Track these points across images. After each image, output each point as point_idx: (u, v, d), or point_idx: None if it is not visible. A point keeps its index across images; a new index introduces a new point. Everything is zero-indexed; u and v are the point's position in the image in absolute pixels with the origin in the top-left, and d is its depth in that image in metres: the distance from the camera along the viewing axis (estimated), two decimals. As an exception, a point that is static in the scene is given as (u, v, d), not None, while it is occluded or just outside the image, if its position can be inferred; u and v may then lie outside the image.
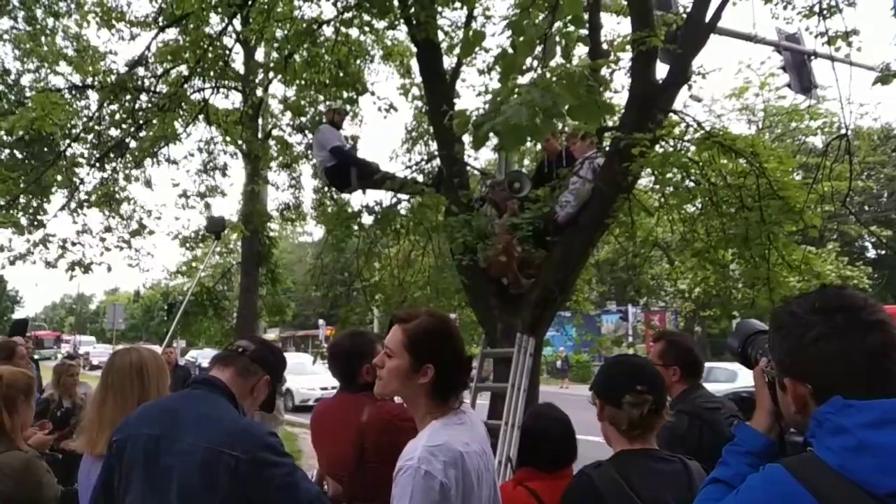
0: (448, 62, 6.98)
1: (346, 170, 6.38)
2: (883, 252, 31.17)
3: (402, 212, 5.87)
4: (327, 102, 7.18)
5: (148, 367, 2.34)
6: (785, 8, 6.46)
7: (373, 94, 9.36)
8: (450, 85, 6.72)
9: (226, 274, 12.12)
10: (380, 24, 7.08)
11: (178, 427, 1.86)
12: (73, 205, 8.70)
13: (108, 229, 9.62)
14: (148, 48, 6.64)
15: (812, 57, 12.51)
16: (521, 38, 2.34)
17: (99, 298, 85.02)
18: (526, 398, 5.31)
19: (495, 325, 5.75)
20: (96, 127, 6.63)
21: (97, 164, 7.05)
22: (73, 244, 9.02)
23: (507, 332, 5.59)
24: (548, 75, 2.24)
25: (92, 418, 2.28)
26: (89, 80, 9.88)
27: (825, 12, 6.22)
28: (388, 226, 5.75)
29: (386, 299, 6.40)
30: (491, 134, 2.40)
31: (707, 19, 5.41)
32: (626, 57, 6.19)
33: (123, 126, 6.46)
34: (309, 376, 19.52)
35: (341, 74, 8.50)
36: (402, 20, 6.34)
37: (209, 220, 8.50)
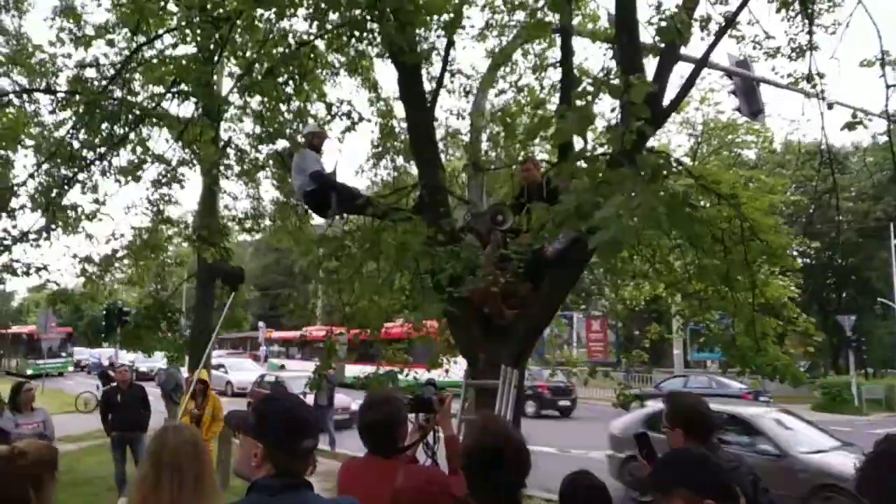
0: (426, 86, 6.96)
1: (326, 194, 6.28)
2: (810, 262, 32.75)
3: (390, 240, 5.80)
4: (307, 124, 7.03)
5: (201, 445, 2.25)
6: (754, 49, 6.73)
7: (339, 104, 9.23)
8: (430, 109, 6.70)
9: (179, 287, 11.74)
10: (370, 50, 7.02)
11: None
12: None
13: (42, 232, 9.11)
14: (128, 61, 6.36)
15: (760, 83, 13.09)
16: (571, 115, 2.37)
17: (22, 295, 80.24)
18: (511, 430, 5.35)
19: (477, 356, 5.77)
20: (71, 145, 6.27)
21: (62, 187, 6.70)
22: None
23: (490, 363, 5.62)
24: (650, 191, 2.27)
25: (142, 500, 2.15)
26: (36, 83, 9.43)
27: (792, 55, 6.53)
28: (377, 254, 5.70)
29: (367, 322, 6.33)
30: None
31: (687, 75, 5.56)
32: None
33: (97, 147, 6.17)
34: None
35: (304, 85, 8.38)
36: (384, 44, 6.30)
37: (224, 273, 8.11)
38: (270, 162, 10.78)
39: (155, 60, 7.01)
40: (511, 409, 5.46)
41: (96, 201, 7.14)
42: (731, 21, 5.33)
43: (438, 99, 7.14)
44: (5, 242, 6.33)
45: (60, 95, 8.72)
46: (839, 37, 5.20)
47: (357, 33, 6.52)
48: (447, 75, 7.57)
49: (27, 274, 7.13)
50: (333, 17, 6.73)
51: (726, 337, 5.20)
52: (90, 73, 9.00)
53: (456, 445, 3.28)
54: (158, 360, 18.72)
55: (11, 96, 9.15)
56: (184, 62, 6.05)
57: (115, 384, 9.98)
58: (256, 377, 26.47)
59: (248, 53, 7.33)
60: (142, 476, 2.18)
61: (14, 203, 6.77)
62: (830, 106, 7.61)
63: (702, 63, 5.38)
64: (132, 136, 6.53)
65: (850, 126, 5.66)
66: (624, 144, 2.38)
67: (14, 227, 6.54)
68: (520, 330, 5.48)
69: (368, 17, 6.23)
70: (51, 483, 2.44)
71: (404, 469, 2.79)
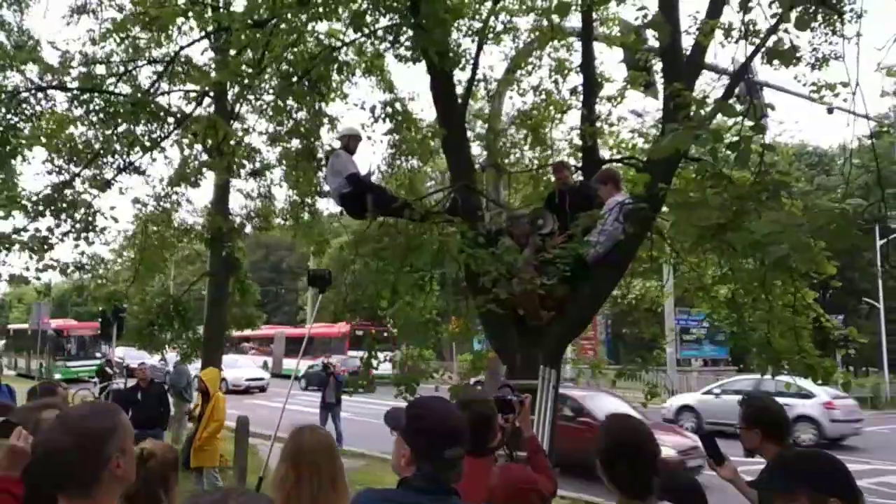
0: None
1: (362, 197, 6.35)
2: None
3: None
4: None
5: (335, 446, 2.33)
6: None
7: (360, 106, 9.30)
8: (462, 111, 6.78)
9: (194, 284, 11.71)
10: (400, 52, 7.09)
11: None
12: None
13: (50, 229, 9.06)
14: (171, 63, 6.37)
15: (763, 87, 13.29)
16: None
17: (2, 290, 78.49)
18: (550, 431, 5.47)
19: (514, 356, 5.89)
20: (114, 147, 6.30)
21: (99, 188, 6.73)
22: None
23: (527, 363, 5.74)
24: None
25: (284, 500, 2.23)
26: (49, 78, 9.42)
27: (816, 63, 6.71)
28: (424, 258, 5.80)
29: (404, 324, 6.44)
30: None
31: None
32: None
33: (147, 148, 6.19)
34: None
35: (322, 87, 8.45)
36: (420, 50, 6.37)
37: (311, 275, 8.09)
38: (283, 161, 10.83)
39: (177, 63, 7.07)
40: (551, 408, 5.60)
41: (137, 200, 7.18)
42: (765, 39, 5.47)
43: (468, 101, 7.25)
44: (50, 241, 6.36)
45: (75, 93, 8.73)
46: (886, 49, 5.32)
47: (391, 37, 6.60)
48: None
49: (64, 273, 7.15)
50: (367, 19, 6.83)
51: (760, 339, 5.34)
52: (100, 70, 9.01)
53: (536, 444, 3.41)
54: (152, 358, 18.36)
55: (26, 94, 9.12)
56: (220, 67, 6.09)
57: (134, 381, 9.98)
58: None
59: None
60: (281, 476, 2.26)
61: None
62: (831, 111, 7.81)
63: (737, 78, 5.54)
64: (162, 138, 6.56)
65: (877, 135, 5.86)
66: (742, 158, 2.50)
67: (57, 225, 6.56)
68: (556, 331, 5.61)
69: (405, 26, 6.32)
70: (175, 484, 2.53)
71: (499, 467, 2.92)
